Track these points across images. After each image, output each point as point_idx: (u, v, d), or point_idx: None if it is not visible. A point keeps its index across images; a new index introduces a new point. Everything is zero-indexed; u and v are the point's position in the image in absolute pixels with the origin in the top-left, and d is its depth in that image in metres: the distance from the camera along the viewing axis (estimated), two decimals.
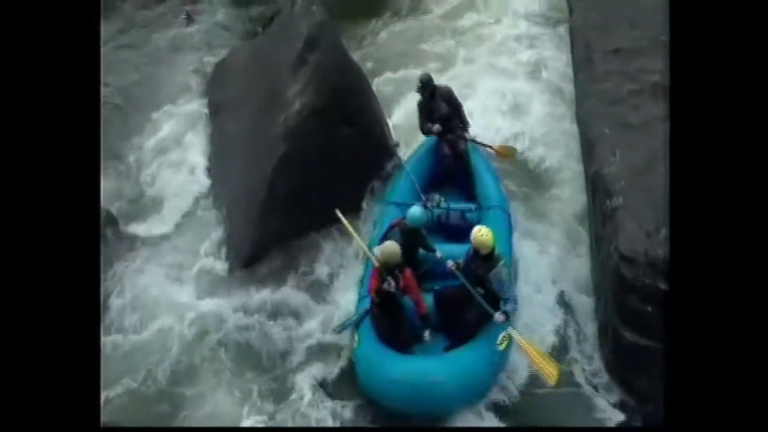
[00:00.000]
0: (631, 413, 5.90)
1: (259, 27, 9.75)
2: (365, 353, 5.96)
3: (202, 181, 8.53)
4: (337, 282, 7.13)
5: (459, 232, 6.79)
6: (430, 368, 5.64)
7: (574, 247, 7.30)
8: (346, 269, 7.22)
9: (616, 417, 5.90)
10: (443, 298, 6.23)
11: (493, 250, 5.82)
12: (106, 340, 6.64)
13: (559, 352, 6.34)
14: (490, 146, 8.03)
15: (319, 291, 7.04)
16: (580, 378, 6.19)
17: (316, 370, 6.37)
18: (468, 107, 8.15)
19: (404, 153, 7.92)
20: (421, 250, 6.61)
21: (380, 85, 9.58)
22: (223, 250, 7.60)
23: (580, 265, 7.08)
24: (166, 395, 6.31)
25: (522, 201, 7.88)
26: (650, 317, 5.53)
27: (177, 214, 8.17)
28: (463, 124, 7.84)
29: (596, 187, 6.69)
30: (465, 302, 5.97)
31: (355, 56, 8.81)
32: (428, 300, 6.25)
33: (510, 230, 6.99)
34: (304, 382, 6.27)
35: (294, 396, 6.20)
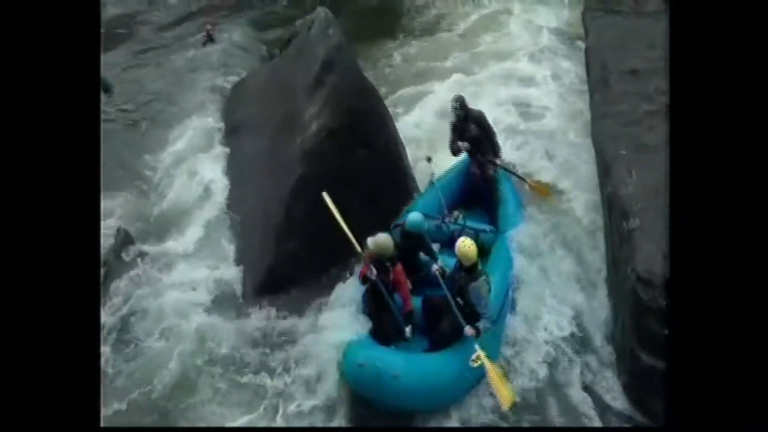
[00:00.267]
0: None
1: (276, 49, 9.86)
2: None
3: (218, 201, 8.56)
4: (350, 311, 6.71)
5: None
6: (395, 362, 5.72)
7: (590, 268, 7.29)
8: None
9: None
10: (429, 303, 6.36)
11: (476, 263, 5.89)
12: (117, 355, 6.69)
13: (576, 373, 6.30)
14: (524, 179, 8.10)
15: (330, 318, 6.71)
16: (597, 400, 6.12)
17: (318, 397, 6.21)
18: None
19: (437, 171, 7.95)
20: (423, 257, 6.68)
21: (396, 106, 9.66)
22: (239, 272, 7.61)
23: (597, 286, 7.06)
24: (163, 406, 6.30)
25: (537, 220, 7.86)
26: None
27: (193, 233, 8.19)
28: (494, 150, 7.92)
29: (613, 207, 6.68)
30: (445, 311, 6.05)
31: (371, 78, 8.88)
32: (416, 303, 6.36)
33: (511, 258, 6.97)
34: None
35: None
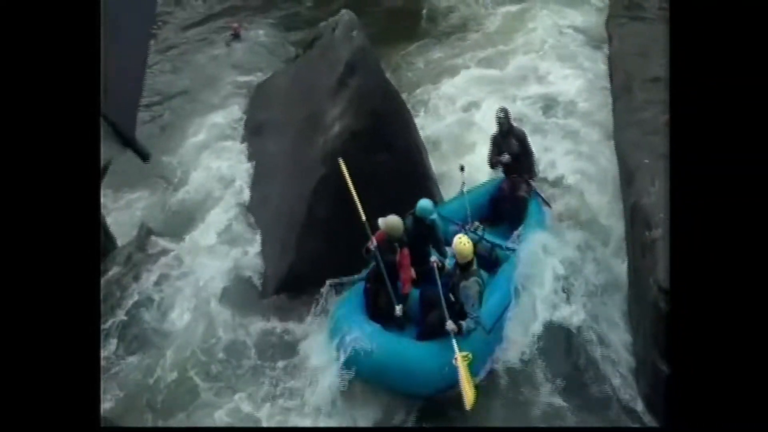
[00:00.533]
0: None
1: (300, 50, 9.91)
2: (342, 303, 6.49)
3: (240, 199, 8.63)
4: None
5: (484, 263, 6.84)
6: (375, 338, 5.94)
7: (610, 277, 7.26)
8: None
9: None
10: (424, 295, 6.45)
11: (471, 261, 5.94)
12: (129, 347, 6.81)
13: (595, 383, 6.28)
14: (549, 205, 8.00)
15: None
16: (617, 411, 6.11)
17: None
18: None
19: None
20: (433, 252, 6.68)
21: (418, 109, 9.67)
22: (260, 269, 7.68)
23: (617, 296, 7.03)
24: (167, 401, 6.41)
25: (559, 228, 7.85)
26: None
27: (214, 230, 8.24)
28: (531, 171, 7.83)
29: (635, 217, 6.64)
30: (437, 304, 6.10)
31: (393, 80, 8.91)
32: (415, 294, 6.52)
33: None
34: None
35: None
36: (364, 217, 6.43)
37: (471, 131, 9.40)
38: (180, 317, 7.15)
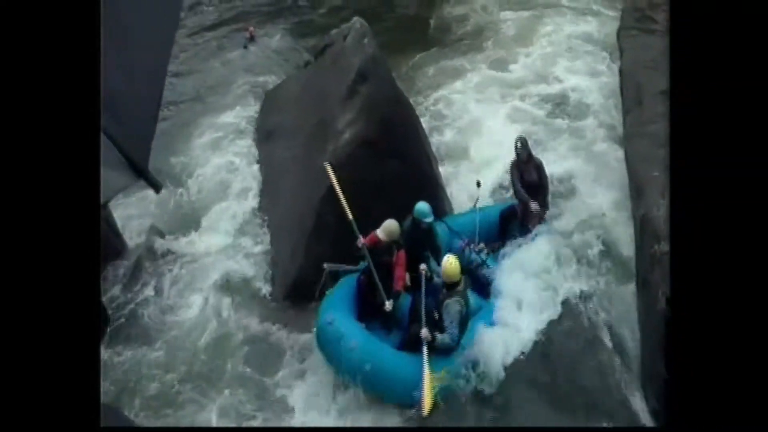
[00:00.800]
0: None
1: (311, 57, 9.97)
2: (331, 296, 6.64)
3: (250, 203, 8.71)
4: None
5: (479, 287, 6.95)
6: (359, 338, 6.16)
7: (618, 290, 7.22)
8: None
9: None
10: (415, 304, 6.51)
11: (457, 282, 6.10)
12: (135, 346, 6.91)
13: (603, 396, 6.25)
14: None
15: None
16: (623, 424, 6.08)
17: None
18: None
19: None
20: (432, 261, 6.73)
21: (428, 118, 9.69)
22: (268, 273, 7.73)
23: (626, 309, 6.99)
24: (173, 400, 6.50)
25: (567, 239, 7.82)
26: None
27: (224, 233, 8.33)
28: (544, 202, 7.69)
29: (645, 230, 6.64)
30: (420, 314, 6.20)
31: (404, 89, 8.93)
32: (406, 300, 6.63)
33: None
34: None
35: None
36: (350, 216, 6.57)
37: (482, 141, 9.41)
38: (187, 317, 7.24)
